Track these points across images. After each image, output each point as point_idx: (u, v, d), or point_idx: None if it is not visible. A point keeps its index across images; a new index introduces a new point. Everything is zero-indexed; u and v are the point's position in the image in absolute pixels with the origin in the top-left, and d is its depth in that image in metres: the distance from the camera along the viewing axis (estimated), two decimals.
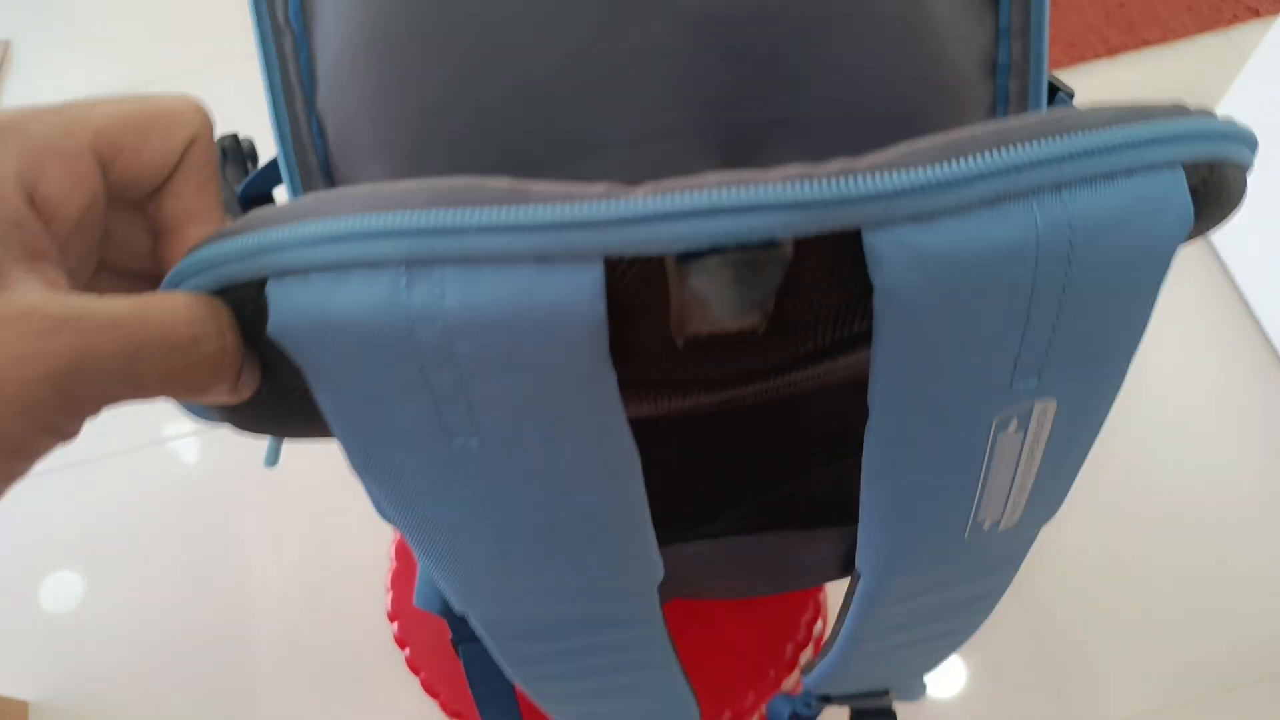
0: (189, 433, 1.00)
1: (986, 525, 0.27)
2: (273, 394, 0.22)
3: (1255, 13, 1.10)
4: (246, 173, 0.36)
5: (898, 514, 0.26)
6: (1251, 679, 0.81)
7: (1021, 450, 0.25)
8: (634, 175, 0.34)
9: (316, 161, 0.33)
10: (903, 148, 0.19)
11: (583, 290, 0.18)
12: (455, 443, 0.21)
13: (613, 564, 0.26)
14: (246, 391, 0.21)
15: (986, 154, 0.19)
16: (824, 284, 0.21)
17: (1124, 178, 0.20)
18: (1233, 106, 0.89)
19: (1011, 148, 0.19)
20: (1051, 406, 0.24)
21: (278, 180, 0.34)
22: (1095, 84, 1.09)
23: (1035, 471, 0.26)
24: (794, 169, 0.18)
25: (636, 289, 0.20)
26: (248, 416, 0.23)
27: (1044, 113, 0.20)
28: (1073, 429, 0.26)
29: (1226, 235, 0.96)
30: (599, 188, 0.19)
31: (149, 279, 0.23)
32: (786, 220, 0.18)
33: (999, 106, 0.35)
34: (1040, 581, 0.85)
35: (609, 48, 0.32)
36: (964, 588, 0.32)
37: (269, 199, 0.36)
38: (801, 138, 0.34)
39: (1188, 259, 0.99)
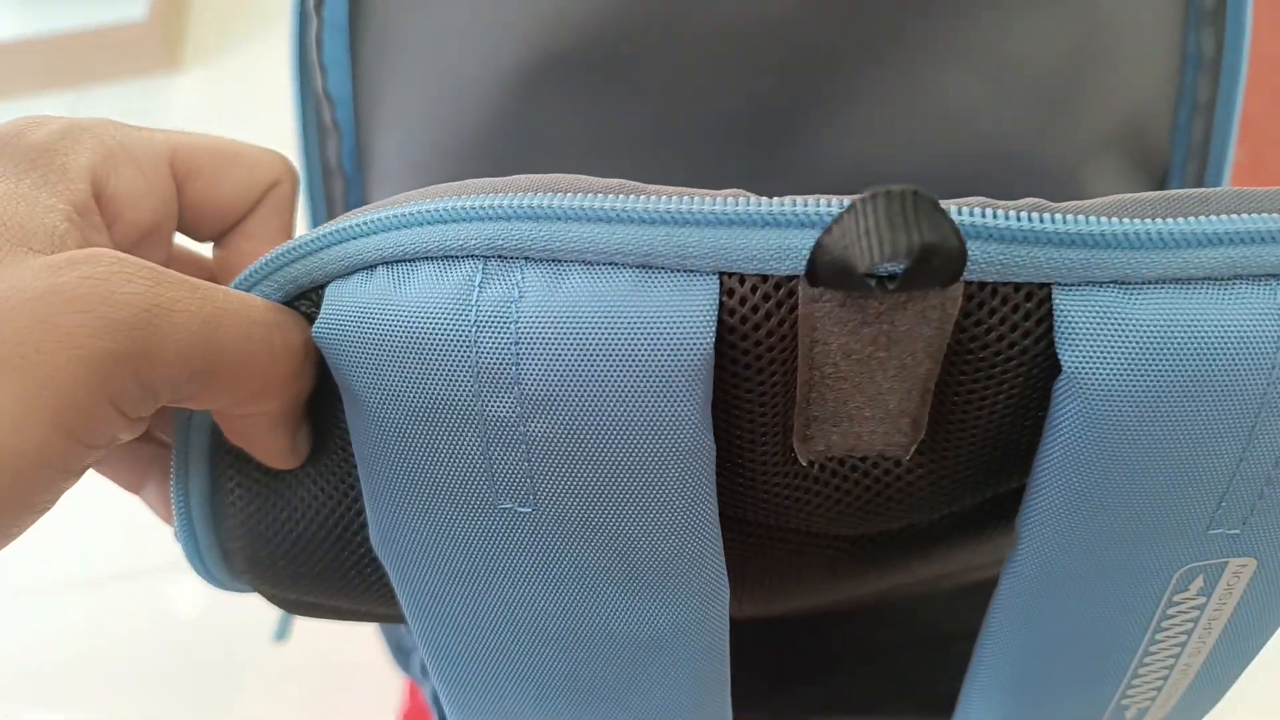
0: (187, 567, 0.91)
1: (1130, 714, 0.22)
2: (311, 512, 0.20)
3: None
4: None
5: (1023, 679, 0.21)
6: None
7: (1198, 621, 0.20)
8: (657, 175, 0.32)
9: None
10: (1108, 198, 0.15)
11: (690, 309, 0.15)
12: (501, 504, 0.18)
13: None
14: (303, 449, 0.20)
15: (1222, 216, 0.15)
16: (992, 374, 0.16)
17: None
18: None
19: (1254, 215, 0.15)
20: (1249, 567, 0.19)
21: None
22: None
23: (1207, 651, 0.21)
24: (973, 199, 0.15)
25: (752, 333, 0.16)
26: (278, 555, 0.20)
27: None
28: (1264, 604, 0.20)
29: None
30: (724, 192, 0.15)
31: None
32: None
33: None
34: None
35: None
36: None
37: None
38: (849, 137, 0.28)
39: None
